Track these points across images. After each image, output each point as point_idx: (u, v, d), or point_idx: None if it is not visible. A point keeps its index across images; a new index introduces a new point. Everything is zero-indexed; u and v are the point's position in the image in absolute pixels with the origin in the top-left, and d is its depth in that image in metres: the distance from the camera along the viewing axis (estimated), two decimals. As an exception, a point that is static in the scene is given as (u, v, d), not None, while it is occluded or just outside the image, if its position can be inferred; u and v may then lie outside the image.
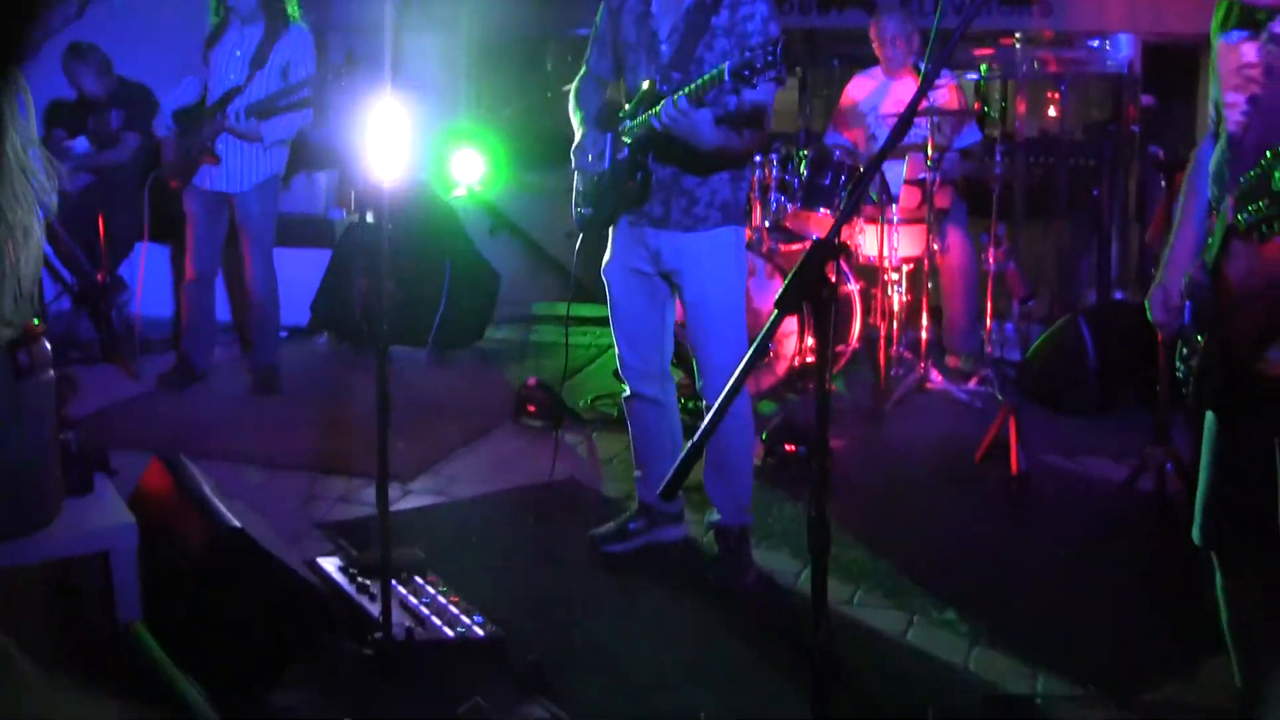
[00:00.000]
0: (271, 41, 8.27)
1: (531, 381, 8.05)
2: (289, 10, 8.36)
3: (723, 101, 5.33)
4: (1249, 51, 3.63)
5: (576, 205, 5.82)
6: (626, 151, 5.56)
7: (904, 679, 5.04)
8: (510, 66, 12.28)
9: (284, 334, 9.34)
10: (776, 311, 2.95)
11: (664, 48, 5.48)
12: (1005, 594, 5.78)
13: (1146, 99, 10.34)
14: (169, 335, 9.53)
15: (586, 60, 5.90)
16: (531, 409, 7.94)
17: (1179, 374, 4.03)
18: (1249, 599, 4.09)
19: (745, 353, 5.58)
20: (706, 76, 5.06)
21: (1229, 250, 3.45)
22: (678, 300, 5.86)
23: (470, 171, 10.54)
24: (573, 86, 5.92)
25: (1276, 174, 2.91)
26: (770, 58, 4.86)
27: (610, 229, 5.83)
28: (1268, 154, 2.98)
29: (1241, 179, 3.10)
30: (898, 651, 5.28)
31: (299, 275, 9.70)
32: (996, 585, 5.87)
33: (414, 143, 5.82)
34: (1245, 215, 3.05)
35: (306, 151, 10.01)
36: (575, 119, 5.85)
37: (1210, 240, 3.56)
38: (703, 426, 2.94)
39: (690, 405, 7.02)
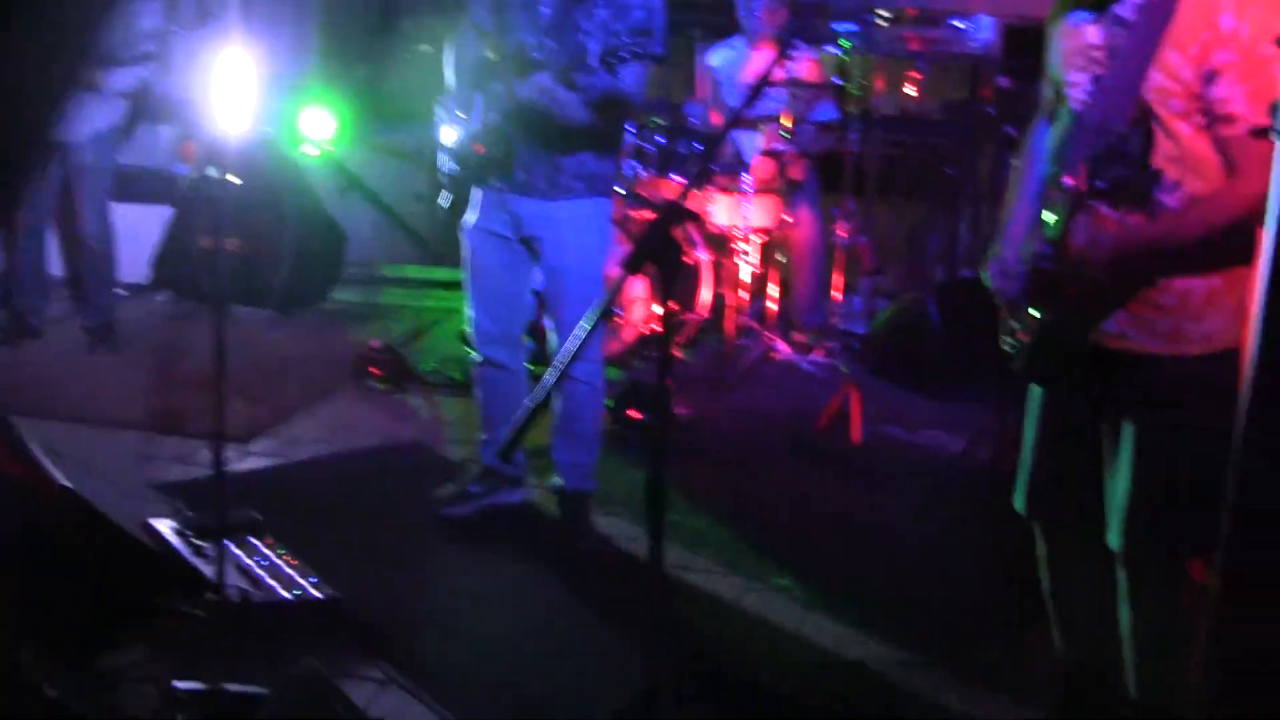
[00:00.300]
0: None
1: (375, 343, 7.96)
2: None
3: (592, 82, 5.27)
4: (1093, 33, 3.68)
5: (442, 160, 5.75)
6: (495, 116, 5.48)
7: (739, 644, 5.06)
8: (365, 24, 12.10)
9: (124, 291, 9.17)
10: (622, 272, 2.92)
11: (544, 11, 5.41)
12: (841, 562, 5.82)
13: (1004, 80, 10.41)
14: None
15: (469, 13, 5.74)
16: (375, 371, 7.85)
17: (1006, 347, 4.07)
18: (1066, 566, 4.15)
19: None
20: (573, 60, 5.04)
21: (1073, 224, 3.48)
22: (537, 268, 5.80)
23: (320, 129, 10.39)
24: (452, 34, 5.81)
25: (1134, 141, 2.95)
26: (638, 49, 4.86)
27: (474, 191, 5.77)
28: (1129, 125, 3.02)
29: (1092, 149, 3.13)
30: (734, 617, 5.30)
31: (140, 231, 9.47)
32: (833, 554, 5.91)
33: (261, 98, 5.71)
34: (1102, 181, 3.08)
35: (150, 104, 9.81)
36: (449, 70, 5.76)
37: (1053, 216, 3.58)
38: (545, 388, 2.90)
39: (538, 370, 6.98)
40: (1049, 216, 3.59)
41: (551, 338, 5.91)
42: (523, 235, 5.68)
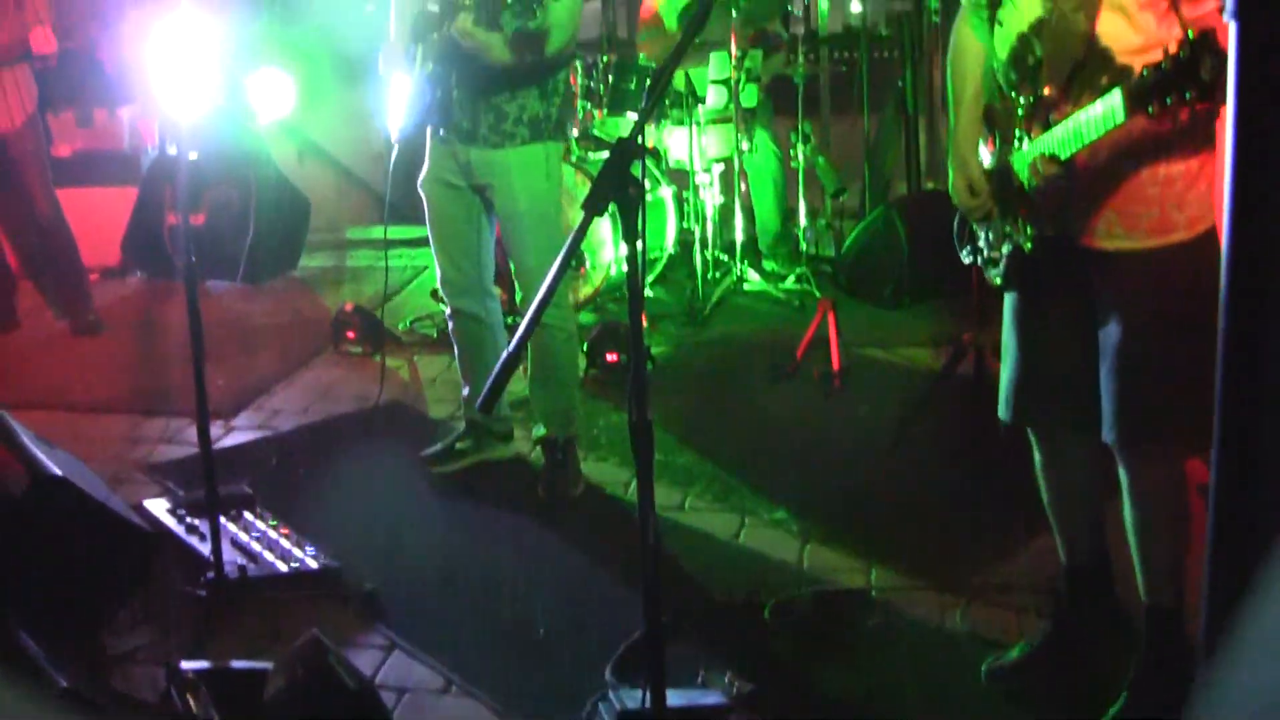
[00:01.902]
0: None
1: (348, 307, 7.94)
2: None
3: (526, 15, 5.26)
4: None
5: (390, 112, 5.74)
6: (432, 64, 5.49)
7: (739, 580, 5.07)
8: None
9: (95, 275, 9.15)
10: (584, 213, 2.93)
11: None
12: (834, 490, 5.84)
13: (948, -14, 10.39)
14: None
15: None
16: (350, 335, 7.84)
17: (972, 261, 4.09)
18: (1064, 471, 4.18)
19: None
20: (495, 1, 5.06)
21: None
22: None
23: (275, 96, 10.35)
24: None
25: (1206, 63, 2.93)
26: None
27: (427, 143, 5.79)
28: (1178, 44, 3.01)
29: (1145, 71, 3.10)
30: (731, 553, 5.34)
31: (106, 215, 9.49)
32: (825, 482, 5.93)
33: (215, 70, 5.68)
34: (1160, 108, 3.06)
35: (107, 86, 9.78)
36: (393, 25, 5.77)
37: (1060, 129, 3.54)
38: (517, 336, 2.92)
39: (512, 321, 6.99)
40: (1054, 135, 3.55)
41: (517, 284, 5.92)
42: (474, 183, 5.70)
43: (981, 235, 4.02)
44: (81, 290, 8.61)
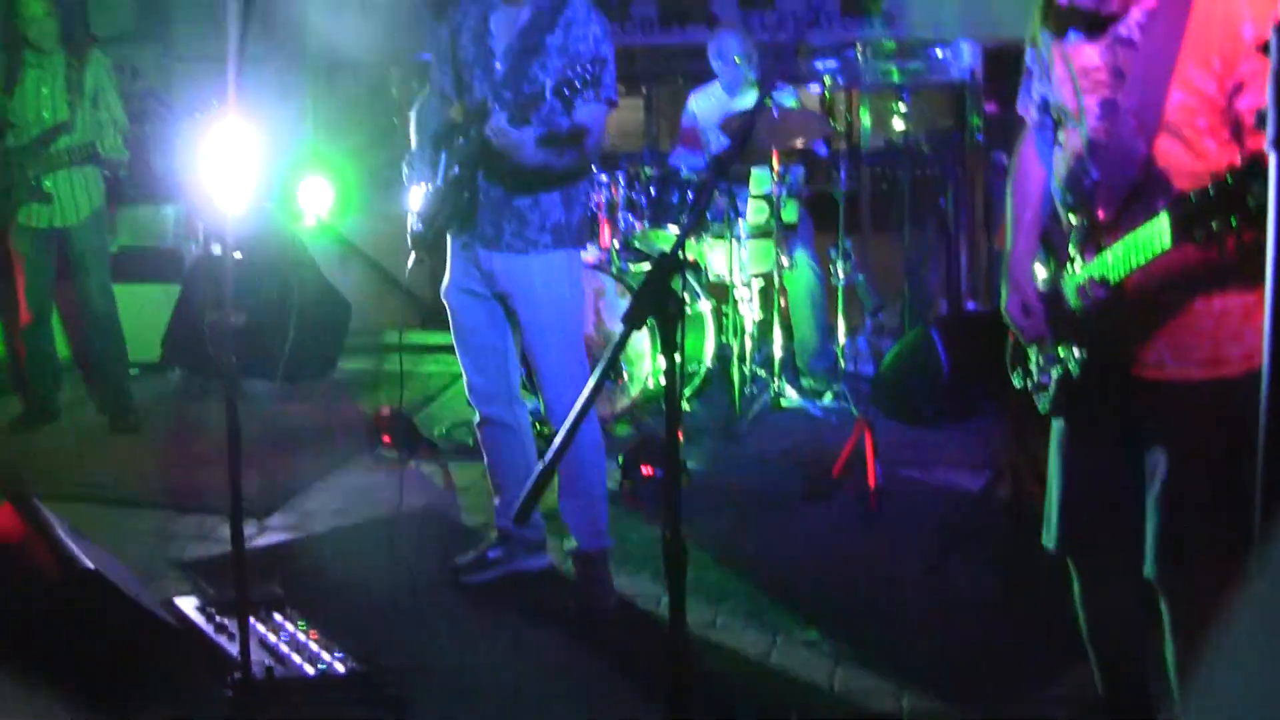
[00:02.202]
0: (79, 72, 8.11)
1: (385, 411, 7.95)
2: (88, 37, 8.20)
3: (554, 122, 5.30)
4: (1091, 54, 3.63)
5: (410, 220, 5.76)
6: (458, 169, 5.52)
7: (769, 701, 5.03)
8: (354, 93, 12.17)
9: (135, 370, 9.19)
10: (624, 327, 2.93)
11: (498, 65, 5.48)
12: (867, 610, 5.78)
13: (990, 106, 10.43)
14: (6, 377, 9.25)
15: (430, 78, 5.88)
16: (386, 439, 7.83)
17: (1022, 385, 4.06)
18: (1105, 602, 4.11)
19: (584, 375, 5.60)
20: (529, 95, 5.08)
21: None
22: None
23: (318, 200, 10.45)
24: (416, 104, 5.88)
25: (1253, 190, 2.89)
26: (588, 76, 4.89)
27: (448, 251, 5.80)
28: (1225, 169, 2.98)
29: (1193, 195, 3.07)
30: (762, 673, 5.27)
31: (148, 311, 9.55)
32: (858, 602, 5.88)
33: (258, 172, 5.73)
34: (1207, 236, 3.02)
35: (152, 184, 9.87)
36: (414, 136, 5.83)
37: (1109, 255, 3.52)
38: (551, 449, 2.91)
39: (545, 429, 6.98)
40: (1105, 263, 3.54)
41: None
42: (497, 291, 5.70)
43: (1033, 359, 4.00)
44: (123, 388, 8.68)
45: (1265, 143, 3.35)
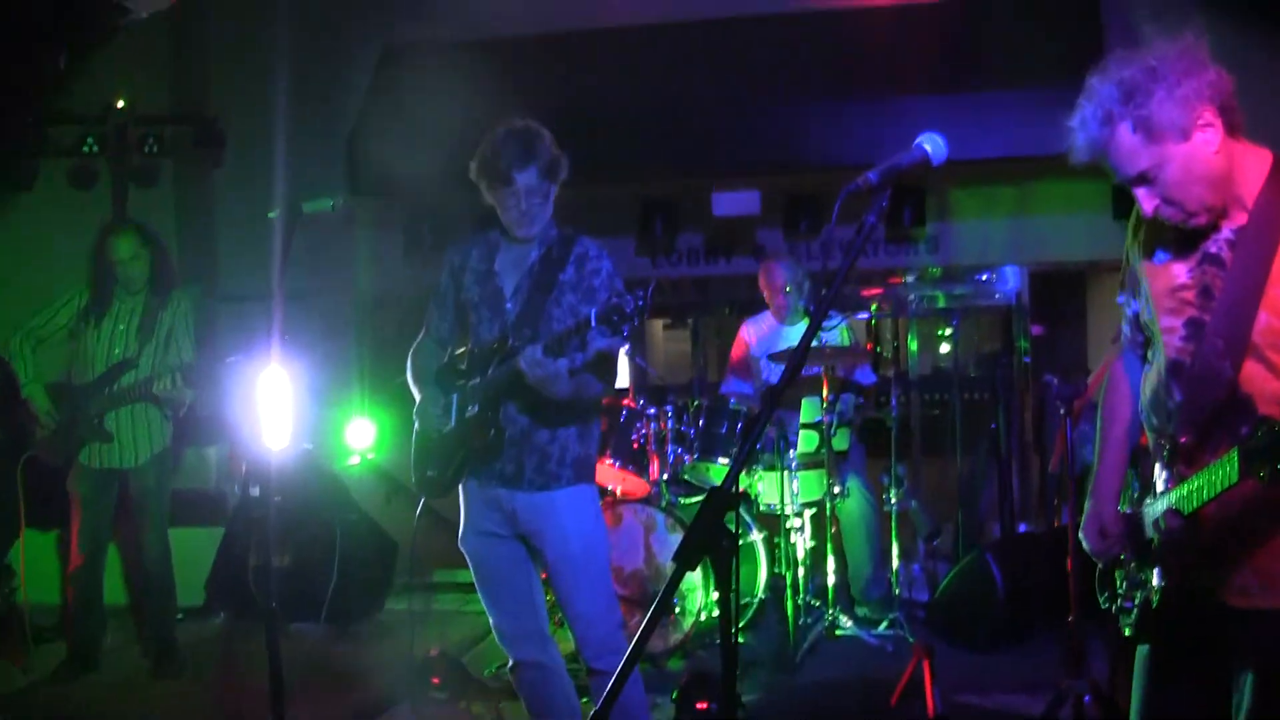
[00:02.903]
0: (157, 311, 8.14)
1: (434, 652, 7.81)
2: (173, 278, 8.27)
3: (571, 354, 5.24)
4: (1180, 272, 3.59)
5: (419, 468, 5.65)
6: (477, 408, 5.43)
7: None
8: (402, 326, 12.23)
9: (181, 615, 9.10)
10: (676, 566, 2.84)
11: (509, 306, 5.44)
12: None
13: (1036, 328, 10.43)
14: (58, 622, 9.18)
15: (426, 322, 5.79)
16: (435, 680, 7.69)
17: (1107, 606, 3.94)
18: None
19: (614, 608, 5.47)
20: (570, 326, 5.03)
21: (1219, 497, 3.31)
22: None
23: (362, 439, 10.44)
24: (412, 349, 5.80)
25: None
26: (640, 303, 4.83)
27: (461, 496, 5.65)
28: None
29: (1260, 431, 2.99)
30: None
31: (193, 553, 9.49)
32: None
33: (302, 412, 5.72)
34: (1271, 475, 2.93)
35: (196, 426, 9.87)
36: (414, 382, 5.71)
37: (1188, 484, 3.42)
38: (604, 697, 2.81)
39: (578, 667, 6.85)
40: (1182, 492, 3.44)
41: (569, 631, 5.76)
42: (519, 531, 5.55)
43: (1119, 580, 3.89)
44: (169, 634, 8.56)
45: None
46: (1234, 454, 3.08)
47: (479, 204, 5.51)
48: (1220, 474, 3.17)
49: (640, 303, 4.87)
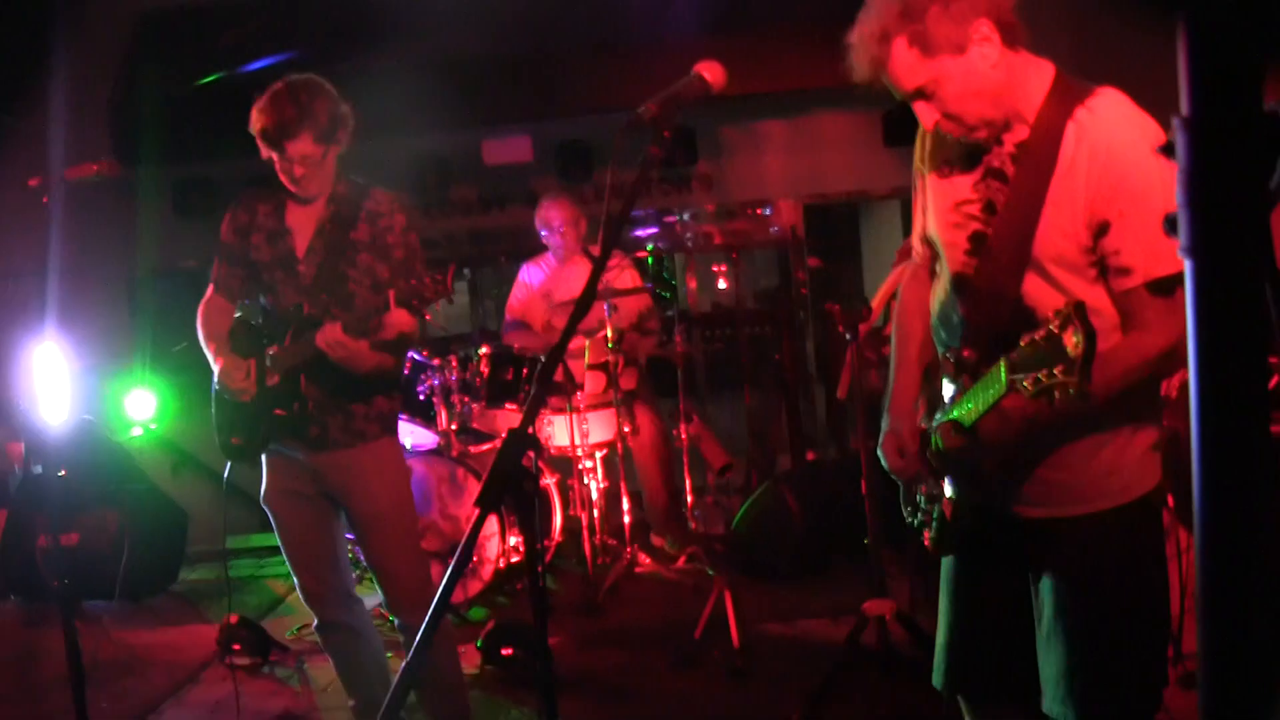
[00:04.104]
0: None
1: (233, 619, 7.71)
2: None
3: (371, 333, 5.17)
4: (964, 187, 3.61)
5: (223, 434, 5.55)
6: (278, 379, 5.34)
7: None
8: (181, 298, 12.02)
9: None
10: (479, 512, 2.82)
11: (303, 269, 5.33)
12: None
13: (813, 261, 10.55)
14: None
15: (215, 279, 5.61)
16: (237, 647, 7.59)
17: (911, 524, 3.99)
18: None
19: (422, 561, 5.46)
20: (368, 308, 4.97)
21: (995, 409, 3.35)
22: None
23: (143, 409, 10.25)
24: (201, 305, 5.65)
25: (1072, 338, 2.83)
26: (440, 288, 4.80)
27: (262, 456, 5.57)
28: (1053, 315, 2.91)
29: (1023, 344, 3.02)
30: None
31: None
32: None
33: (78, 388, 5.59)
34: (1034, 384, 2.96)
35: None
36: (207, 345, 5.51)
37: (968, 399, 3.46)
38: (407, 661, 2.79)
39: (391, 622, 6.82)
40: (963, 407, 3.47)
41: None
42: (324, 490, 5.47)
43: (920, 498, 3.93)
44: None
45: (1134, 283, 3.33)
46: (1001, 365, 3.12)
47: (252, 167, 5.40)
48: (992, 385, 3.21)
49: (439, 286, 4.83)
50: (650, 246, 9.66)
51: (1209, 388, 1.23)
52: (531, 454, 7.47)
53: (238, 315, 5.51)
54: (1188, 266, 1.25)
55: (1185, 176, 1.24)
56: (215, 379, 5.46)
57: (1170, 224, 1.30)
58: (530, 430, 2.94)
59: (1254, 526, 1.25)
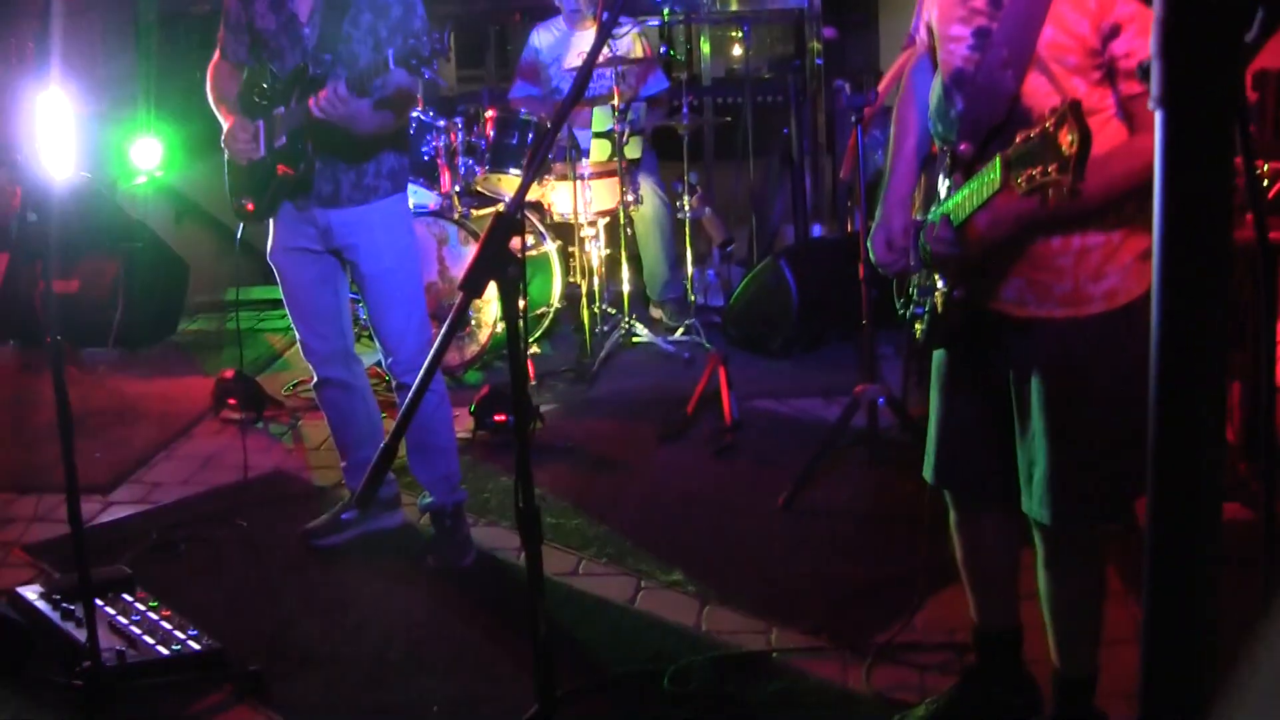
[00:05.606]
0: None
1: (229, 373, 7.75)
2: None
3: (387, 83, 5.13)
4: None
5: (235, 197, 5.60)
6: (285, 139, 5.34)
7: (636, 645, 4.95)
8: (187, 44, 11.85)
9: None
10: (462, 294, 2.82)
11: (306, 31, 5.29)
12: (730, 548, 5.73)
13: (828, 31, 10.40)
14: None
15: (220, 46, 5.63)
16: (232, 401, 7.64)
17: (902, 315, 3.99)
18: (980, 534, 4.09)
19: (425, 324, 5.50)
20: (369, 66, 4.93)
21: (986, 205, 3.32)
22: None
23: (149, 158, 10.19)
24: (209, 70, 5.65)
25: (1067, 137, 2.80)
26: (438, 46, 4.76)
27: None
28: (1049, 113, 2.87)
29: (1019, 140, 2.98)
30: (628, 618, 5.20)
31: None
32: (721, 540, 5.82)
33: (83, 133, 5.53)
34: (1028, 181, 2.93)
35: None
36: (217, 108, 5.57)
37: (956, 195, 3.44)
38: (396, 424, 2.80)
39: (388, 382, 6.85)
40: (961, 195, 3.45)
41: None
42: (332, 246, 5.54)
43: (913, 289, 3.92)
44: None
45: (1149, 99, 3.29)
46: (997, 161, 3.09)
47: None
48: (986, 181, 3.19)
49: (438, 46, 4.79)
50: (667, 12, 9.51)
51: (1173, 252, 1.22)
52: (536, 222, 7.49)
53: (245, 78, 5.49)
54: (1158, 118, 1.23)
55: (1159, 26, 1.21)
56: (222, 141, 5.48)
57: (1143, 72, 1.27)
58: (519, 211, 2.92)
59: (1211, 379, 1.25)
